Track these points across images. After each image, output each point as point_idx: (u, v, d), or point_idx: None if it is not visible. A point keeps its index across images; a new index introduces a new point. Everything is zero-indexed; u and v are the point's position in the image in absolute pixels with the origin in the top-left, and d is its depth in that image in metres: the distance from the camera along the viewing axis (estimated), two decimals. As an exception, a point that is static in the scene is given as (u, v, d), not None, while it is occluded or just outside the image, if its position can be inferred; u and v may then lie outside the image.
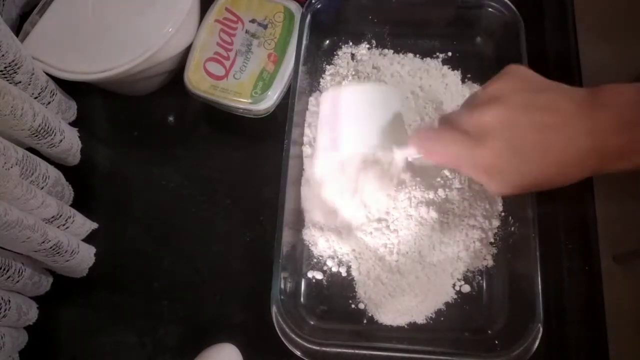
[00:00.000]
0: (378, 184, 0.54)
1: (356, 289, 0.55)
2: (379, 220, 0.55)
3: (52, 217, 0.54)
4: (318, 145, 0.56)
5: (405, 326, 0.54)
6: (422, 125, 0.59)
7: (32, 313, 0.56)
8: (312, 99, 0.61)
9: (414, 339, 0.53)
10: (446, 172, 0.56)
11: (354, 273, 0.56)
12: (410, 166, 0.56)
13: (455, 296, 0.55)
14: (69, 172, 0.60)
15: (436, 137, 0.45)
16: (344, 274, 0.56)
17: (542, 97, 0.40)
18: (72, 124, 0.63)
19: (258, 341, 0.54)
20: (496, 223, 0.56)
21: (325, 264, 0.56)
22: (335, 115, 0.54)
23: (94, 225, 0.60)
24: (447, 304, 0.55)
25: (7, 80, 0.52)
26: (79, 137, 0.63)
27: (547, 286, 0.49)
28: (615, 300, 0.55)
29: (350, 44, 0.64)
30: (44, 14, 0.59)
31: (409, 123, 0.59)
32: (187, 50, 0.61)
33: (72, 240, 0.55)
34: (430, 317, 0.54)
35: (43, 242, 0.51)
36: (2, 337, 0.51)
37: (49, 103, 0.59)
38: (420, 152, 0.48)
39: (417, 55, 0.63)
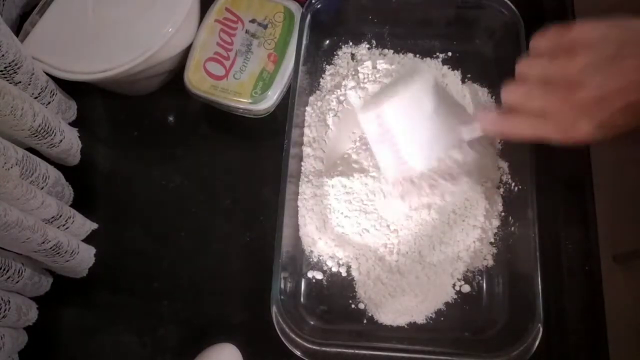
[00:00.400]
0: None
1: (356, 289, 0.55)
2: (380, 219, 0.55)
3: (52, 218, 0.54)
4: (382, 168, 0.54)
5: (405, 326, 0.54)
6: (481, 106, 0.58)
7: (32, 313, 0.56)
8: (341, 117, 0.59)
9: (414, 339, 0.53)
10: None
11: (354, 273, 0.56)
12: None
13: (455, 296, 0.55)
14: (69, 172, 0.60)
15: (514, 124, 0.45)
16: (344, 274, 0.56)
17: (621, 61, 0.40)
18: (72, 124, 0.63)
19: (258, 341, 0.54)
20: (496, 223, 0.56)
21: (325, 264, 0.56)
22: (388, 134, 0.52)
23: (94, 226, 0.60)
24: (447, 304, 0.55)
25: (7, 80, 0.52)
26: (79, 137, 0.63)
27: (547, 286, 0.49)
28: (615, 300, 0.55)
29: (350, 44, 0.64)
30: (44, 14, 0.59)
31: None
32: (187, 50, 0.61)
33: (72, 241, 0.55)
34: (430, 317, 0.54)
35: (43, 242, 0.50)
36: (2, 338, 0.51)
37: (49, 103, 0.59)
38: (496, 135, 0.49)
39: (417, 55, 0.63)
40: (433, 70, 0.60)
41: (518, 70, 0.46)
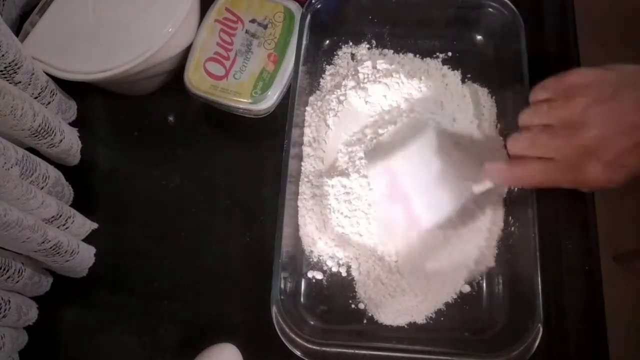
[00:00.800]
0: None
1: (356, 289, 0.55)
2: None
3: (52, 217, 0.54)
4: (394, 227, 0.54)
5: (405, 326, 0.54)
6: (489, 158, 0.56)
7: (32, 313, 0.56)
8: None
9: (414, 339, 0.52)
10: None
11: (354, 273, 0.56)
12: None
13: (455, 296, 0.55)
14: (69, 172, 0.60)
15: (522, 170, 0.45)
16: (344, 274, 0.56)
17: (621, 101, 0.40)
18: (72, 124, 0.63)
19: (258, 341, 0.54)
20: (497, 223, 0.56)
21: (325, 264, 0.56)
22: (398, 190, 0.53)
23: (94, 225, 0.60)
24: (447, 304, 0.54)
25: (7, 80, 0.52)
26: (79, 137, 0.63)
27: (547, 286, 0.49)
28: (615, 300, 0.55)
29: (350, 44, 0.64)
30: (44, 14, 0.59)
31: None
32: (187, 50, 0.61)
33: (72, 241, 0.55)
34: (430, 317, 0.54)
35: (43, 242, 0.50)
36: (2, 338, 0.51)
37: (49, 103, 0.59)
38: (506, 184, 0.51)
39: (417, 55, 0.63)
40: (435, 125, 0.58)
41: (520, 121, 0.46)
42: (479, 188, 0.51)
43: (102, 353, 0.57)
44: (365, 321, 0.54)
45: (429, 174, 0.52)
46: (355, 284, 0.56)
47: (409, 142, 0.52)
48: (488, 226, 0.55)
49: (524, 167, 0.45)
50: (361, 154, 0.56)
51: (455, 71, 0.62)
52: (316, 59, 0.63)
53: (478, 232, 0.55)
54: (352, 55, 0.64)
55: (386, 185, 0.54)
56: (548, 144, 0.43)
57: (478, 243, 0.55)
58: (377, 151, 0.56)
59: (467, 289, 0.55)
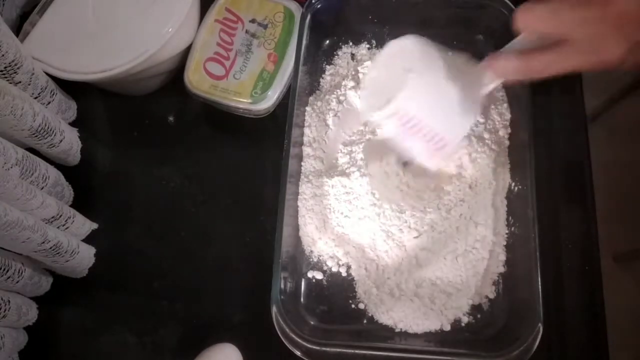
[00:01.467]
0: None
1: (356, 289, 0.55)
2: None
3: (52, 218, 0.54)
4: (420, 161, 0.52)
5: (405, 326, 0.54)
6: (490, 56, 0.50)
7: (32, 313, 0.56)
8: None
9: (413, 339, 0.52)
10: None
11: (354, 273, 0.56)
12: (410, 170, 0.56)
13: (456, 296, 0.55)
14: (69, 172, 0.60)
15: (536, 62, 0.40)
16: (344, 274, 0.56)
17: None
18: (72, 124, 0.63)
19: (258, 341, 0.54)
20: (497, 223, 0.56)
21: (325, 264, 0.56)
22: (411, 123, 0.48)
23: (94, 226, 0.60)
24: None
25: (7, 80, 0.52)
26: (79, 137, 0.63)
27: (547, 286, 0.49)
28: (615, 300, 0.55)
29: (350, 44, 0.64)
30: (44, 14, 0.59)
31: None
32: (187, 50, 0.61)
33: (72, 241, 0.55)
34: (431, 317, 0.54)
35: (43, 242, 0.51)
36: (2, 338, 0.51)
37: (49, 103, 0.59)
38: (515, 78, 0.43)
39: (417, 55, 0.63)
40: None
41: None
42: (486, 89, 0.48)
43: (102, 353, 0.57)
44: (365, 321, 0.54)
45: (436, 90, 0.47)
46: (355, 284, 0.56)
47: (405, 71, 0.47)
48: (482, 221, 0.55)
49: (539, 58, 0.39)
50: (361, 155, 0.57)
51: (456, 71, 0.62)
52: (316, 59, 0.63)
53: (474, 227, 0.55)
54: (352, 55, 0.64)
55: (397, 121, 0.48)
56: (572, 16, 0.37)
57: (474, 237, 0.55)
58: (371, 94, 0.51)
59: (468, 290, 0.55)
